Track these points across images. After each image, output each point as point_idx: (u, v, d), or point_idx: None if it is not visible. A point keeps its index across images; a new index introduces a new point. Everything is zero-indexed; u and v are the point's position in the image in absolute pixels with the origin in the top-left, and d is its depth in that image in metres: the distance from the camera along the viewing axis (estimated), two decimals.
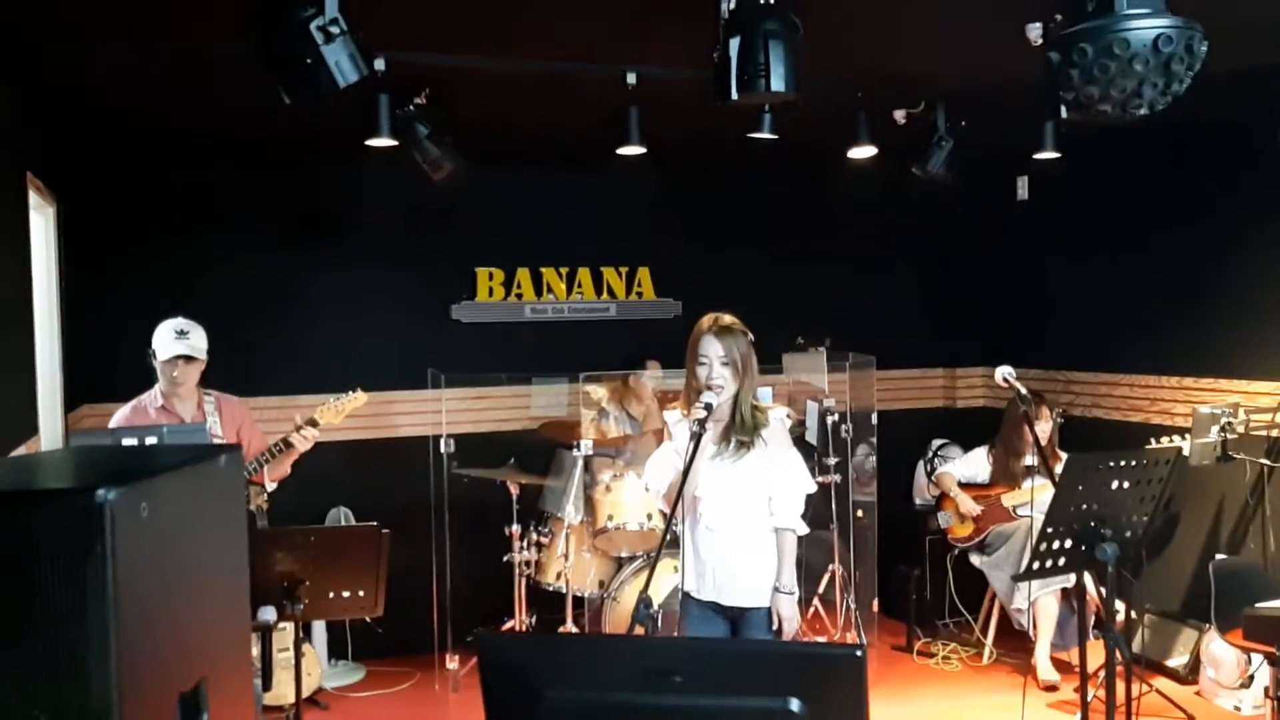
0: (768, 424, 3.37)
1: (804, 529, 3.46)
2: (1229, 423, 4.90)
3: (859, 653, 1.72)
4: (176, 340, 4.06)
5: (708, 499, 3.35)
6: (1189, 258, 5.61)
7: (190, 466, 1.53)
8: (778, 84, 2.76)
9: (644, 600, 2.96)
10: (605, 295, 6.42)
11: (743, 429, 3.33)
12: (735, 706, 1.73)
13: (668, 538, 3.21)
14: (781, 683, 1.72)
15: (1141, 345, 5.93)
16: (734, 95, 2.82)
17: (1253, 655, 4.62)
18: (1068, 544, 3.19)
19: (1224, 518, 5.39)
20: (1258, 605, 3.62)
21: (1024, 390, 3.83)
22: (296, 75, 2.46)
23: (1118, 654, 3.30)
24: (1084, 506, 3.16)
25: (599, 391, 5.79)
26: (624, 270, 6.45)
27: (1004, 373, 3.86)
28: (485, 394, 6.12)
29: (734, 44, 2.77)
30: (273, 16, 2.43)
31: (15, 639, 1.29)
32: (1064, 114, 2.89)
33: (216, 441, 4.13)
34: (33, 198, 3.97)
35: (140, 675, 1.35)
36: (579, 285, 6.37)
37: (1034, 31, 3.44)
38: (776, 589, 3.38)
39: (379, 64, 3.50)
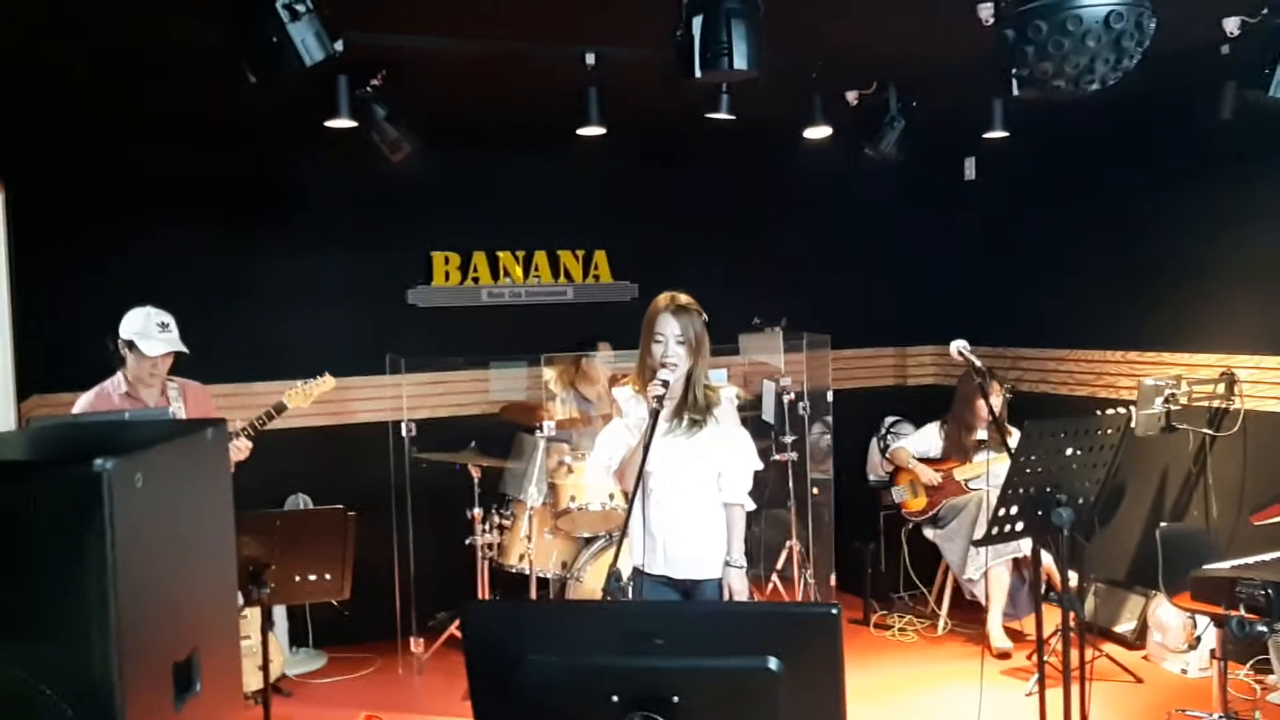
0: (719, 403, 3.45)
1: (751, 505, 3.55)
2: (1172, 394, 5.06)
3: (834, 611, 1.77)
4: (161, 333, 4.06)
5: (659, 475, 3.40)
6: (1132, 235, 5.75)
7: (180, 439, 1.55)
8: (740, 62, 2.80)
9: (614, 574, 3.00)
10: (562, 278, 6.44)
11: (695, 407, 3.40)
12: (715, 666, 1.77)
13: (632, 513, 3.26)
14: (759, 642, 1.76)
15: (1087, 321, 6.08)
16: (698, 73, 2.86)
17: (1198, 619, 4.78)
18: (1025, 509, 3.29)
19: (1168, 487, 5.55)
20: (1204, 567, 3.75)
21: (978, 363, 3.91)
22: (262, 54, 2.45)
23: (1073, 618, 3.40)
24: (1040, 472, 3.25)
25: (547, 373, 5.83)
26: (581, 253, 6.47)
27: (958, 346, 3.94)
28: (442, 378, 6.12)
29: (697, 22, 2.81)
30: None
31: (16, 609, 1.30)
32: (1016, 90, 2.96)
33: None
34: None
35: (138, 645, 1.37)
36: (536, 269, 6.38)
37: (985, 10, 3.51)
38: (727, 563, 3.48)
39: (337, 45, 3.49)
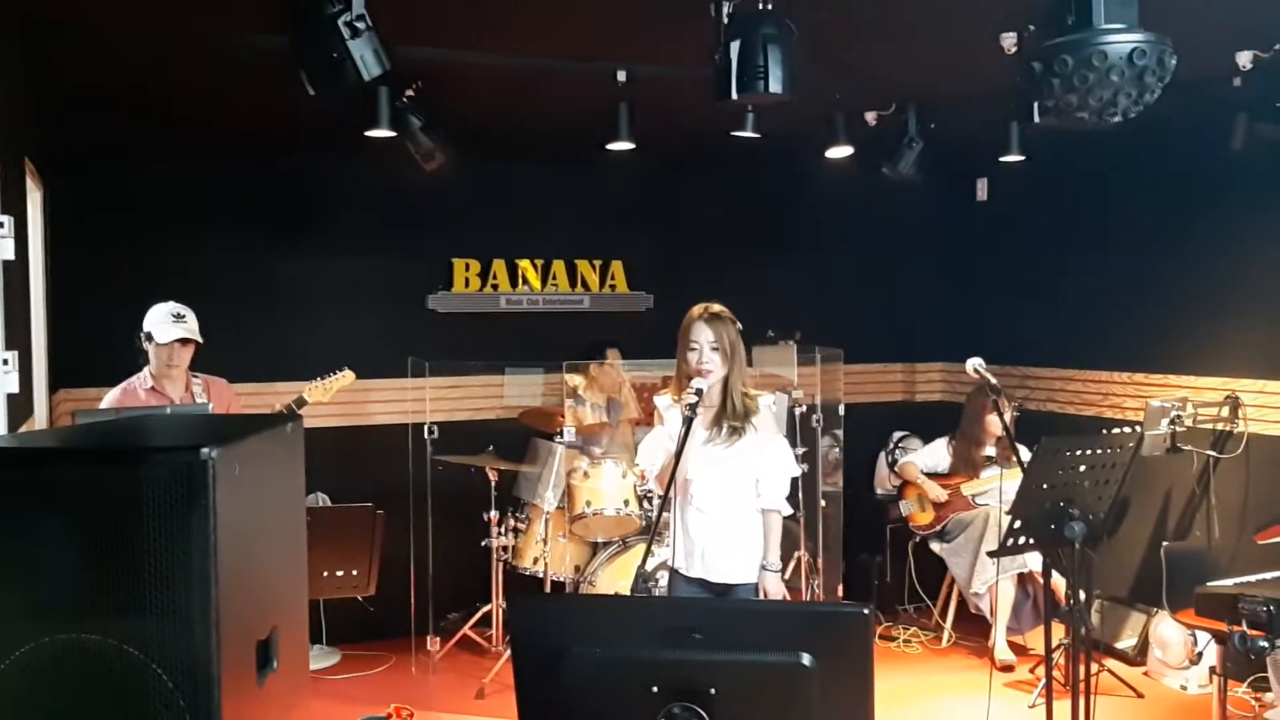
0: (758, 410, 3.53)
1: (789, 510, 3.64)
2: (1178, 416, 5.16)
3: (865, 611, 1.87)
4: (174, 324, 4.18)
5: (699, 481, 3.50)
6: (1141, 258, 5.85)
7: (266, 431, 1.65)
8: (775, 86, 2.92)
9: (642, 575, 3.12)
10: (579, 287, 6.54)
11: (734, 415, 3.49)
12: (750, 661, 1.86)
13: (662, 517, 3.36)
14: (794, 639, 1.85)
15: (1094, 342, 6.18)
16: (734, 95, 2.97)
17: (1199, 636, 4.87)
18: (1037, 523, 3.39)
19: (1171, 506, 5.65)
20: (1208, 584, 3.85)
21: (993, 380, 4.01)
22: (323, 68, 2.56)
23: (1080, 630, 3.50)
24: (1054, 487, 3.36)
25: (576, 379, 5.93)
26: (598, 263, 6.58)
27: (974, 364, 4.04)
28: (459, 383, 6.21)
29: (734, 46, 2.93)
30: (301, 12, 2.54)
31: (123, 585, 1.40)
32: (1039, 118, 3.07)
33: None
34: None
35: (231, 623, 1.47)
36: (554, 277, 6.49)
37: (1008, 40, 3.63)
38: (764, 567, 3.57)
39: None
